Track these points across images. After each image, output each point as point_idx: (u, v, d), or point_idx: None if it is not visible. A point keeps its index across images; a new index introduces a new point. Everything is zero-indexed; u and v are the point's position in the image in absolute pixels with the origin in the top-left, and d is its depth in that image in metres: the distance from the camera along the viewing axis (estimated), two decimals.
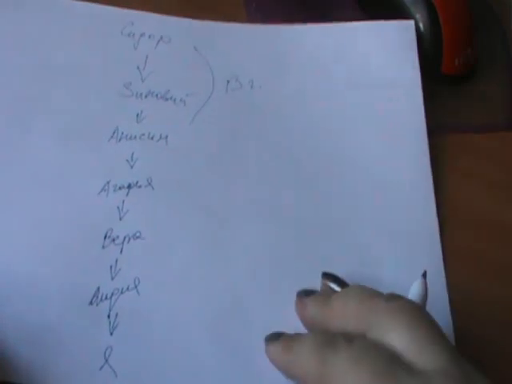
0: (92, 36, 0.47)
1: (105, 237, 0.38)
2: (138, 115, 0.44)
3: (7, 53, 0.45)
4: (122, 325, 0.36)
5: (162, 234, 0.39)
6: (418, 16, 0.48)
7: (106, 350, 0.35)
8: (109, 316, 0.36)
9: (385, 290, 0.33)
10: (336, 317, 0.33)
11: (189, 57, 0.47)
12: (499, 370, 0.36)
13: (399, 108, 0.46)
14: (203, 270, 0.38)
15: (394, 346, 0.30)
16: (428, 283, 0.34)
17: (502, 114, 0.48)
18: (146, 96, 0.44)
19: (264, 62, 0.47)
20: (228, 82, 0.46)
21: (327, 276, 0.36)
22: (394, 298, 0.32)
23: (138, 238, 0.39)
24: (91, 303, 0.36)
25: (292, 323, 0.35)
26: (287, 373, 0.33)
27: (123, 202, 0.40)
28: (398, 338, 0.30)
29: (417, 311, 0.31)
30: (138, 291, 0.37)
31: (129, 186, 0.41)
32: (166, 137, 0.43)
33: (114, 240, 0.38)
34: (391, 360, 0.29)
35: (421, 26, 0.48)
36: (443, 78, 0.49)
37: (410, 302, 0.32)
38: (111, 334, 0.36)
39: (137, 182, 0.41)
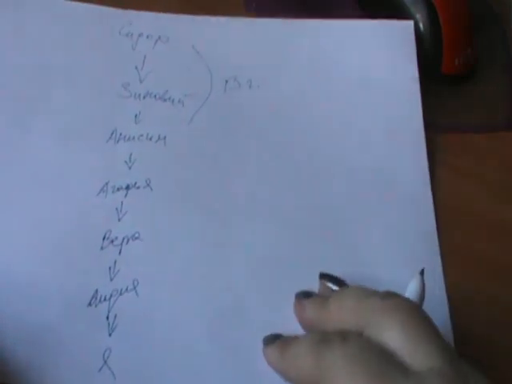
0: (91, 36, 0.47)
1: (103, 238, 0.38)
2: (136, 116, 0.44)
3: (6, 53, 0.45)
4: (120, 326, 0.36)
5: (160, 234, 0.39)
6: (418, 16, 0.48)
7: (105, 351, 0.35)
8: (107, 317, 0.36)
9: (383, 289, 0.32)
10: (333, 318, 0.33)
11: (187, 56, 0.47)
12: (499, 370, 0.36)
13: (397, 107, 0.46)
14: (202, 270, 0.38)
15: (390, 344, 0.30)
16: (425, 281, 0.34)
17: (502, 114, 0.48)
18: (144, 97, 0.44)
19: (262, 61, 0.47)
20: (226, 81, 0.46)
21: (325, 276, 0.36)
22: (390, 296, 0.32)
23: (136, 239, 0.39)
24: (90, 304, 0.36)
25: (291, 323, 0.35)
26: (284, 375, 0.33)
27: (122, 203, 0.40)
28: (394, 336, 0.30)
29: (413, 309, 0.31)
30: (136, 292, 0.37)
31: (127, 187, 0.40)
32: (165, 137, 0.43)
33: (112, 241, 0.38)
34: (385, 359, 0.29)
35: (421, 26, 0.48)
36: (443, 78, 0.49)
37: (407, 300, 0.32)
38: (110, 335, 0.35)
39: (135, 183, 0.41)
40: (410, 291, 0.33)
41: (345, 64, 0.47)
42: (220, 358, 0.35)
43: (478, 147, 0.46)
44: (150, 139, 0.43)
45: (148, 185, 0.41)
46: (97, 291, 0.37)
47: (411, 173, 0.43)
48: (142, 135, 0.43)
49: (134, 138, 0.43)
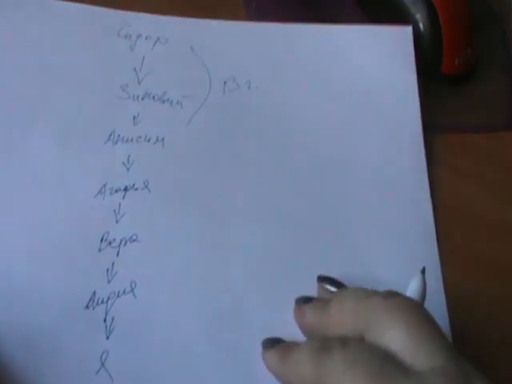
0: (89, 38, 0.47)
1: (101, 240, 0.38)
2: (134, 118, 0.43)
3: (5, 54, 0.45)
4: (118, 329, 0.36)
5: (158, 236, 0.39)
6: (418, 16, 0.48)
7: (103, 354, 0.35)
8: (105, 320, 0.36)
9: (383, 289, 0.32)
10: (334, 322, 0.33)
11: (185, 57, 0.47)
12: (499, 370, 0.36)
13: (396, 109, 0.46)
14: (201, 272, 0.38)
15: (392, 344, 0.30)
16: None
17: (502, 114, 0.48)
18: (142, 98, 0.44)
19: (261, 63, 0.47)
20: (225, 82, 0.46)
21: (323, 279, 0.36)
22: (392, 296, 0.32)
23: (134, 240, 0.39)
24: (87, 307, 0.36)
25: (290, 325, 0.35)
26: (284, 381, 0.33)
27: (120, 204, 0.40)
28: (396, 335, 0.30)
29: (415, 308, 0.31)
30: (134, 294, 0.37)
31: (125, 189, 0.40)
32: (163, 139, 0.43)
33: (110, 243, 0.38)
34: (386, 361, 0.29)
35: (421, 26, 0.48)
36: (443, 78, 0.49)
37: (408, 299, 0.32)
38: (107, 337, 0.35)
39: (133, 185, 0.41)
40: (412, 290, 0.33)
41: (344, 67, 0.47)
42: (218, 361, 0.35)
43: (478, 147, 0.46)
44: (149, 141, 0.42)
45: (146, 186, 0.41)
46: (94, 293, 0.36)
47: (410, 174, 0.43)
48: (140, 137, 0.43)
49: (132, 139, 0.42)
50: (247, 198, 0.41)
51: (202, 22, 0.48)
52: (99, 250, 0.38)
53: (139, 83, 0.45)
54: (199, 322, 0.36)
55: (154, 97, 0.44)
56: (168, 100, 0.44)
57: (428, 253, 0.40)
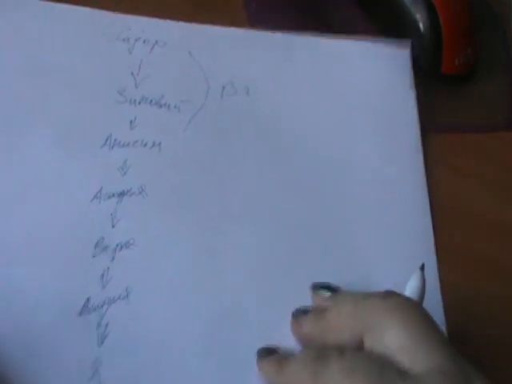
0: (87, 41, 0.46)
1: (96, 245, 0.38)
2: (131, 122, 0.43)
3: (3, 55, 0.45)
4: (112, 335, 0.35)
5: (154, 242, 0.39)
6: (417, 16, 0.48)
7: (96, 360, 0.34)
8: (99, 326, 0.35)
9: (380, 289, 0.33)
10: (333, 328, 0.33)
11: (183, 62, 0.46)
12: (499, 370, 0.36)
13: (394, 116, 0.46)
14: (196, 278, 0.38)
15: (391, 344, 0.30)
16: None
17: (502, 114, 0.48)
18: (139, 102, 0.44)
19: (260, 69, 0.47)
20: (223, 87, 0.45)
21: (317, 286, 0.36)
22: (390, 296, 0.32)
23: (130, 246, 0.38)
24: (81, 313, 0.36)
25: (288, 330, 0.35)
26: None
27: (115, 209, 0.39)
28: (395, 335, 0.30)
29: (413, 308, 0.31)
30: (129, 300, 0.36)
31: (121, 194, 0.40)
32: (160, 144, 0.42)
33: (105, 248, 0.38)
34: (384, 368, 0.29)
35: (421, 26, 0.48)
36: (443, 78, 0.49)
37: (407, 299, 0.32)
38: (101, 344, 0.35)
39: (129, 190, 0.40)
40: (411, 287, 0.33)
41: (342, 76, 0.47)
42: (212, 368, 0.35)
43: (478, 147, 0.46)
44: (145, 145, 0.42)
45: (142, 191, 0.40)
46: (88, 299, 0.36)
47: (408, 175, 0.43)
48: (136, 141, 0.42)
49: (128, 143, 0.42)
50: (244, 203, 0.41)
51: (201, 27, 0.48)
52: (94, 255, 0.38)
53: (136, 87, 0.45)
54: (193, 329, 0.36)
55: (151, 101, 0.44)
56: (165, 104, 0.44)
57: (425, 252, 0.40)
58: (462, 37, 0.49)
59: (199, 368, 0.35)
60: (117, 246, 0.38)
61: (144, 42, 0.47)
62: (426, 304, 0.33)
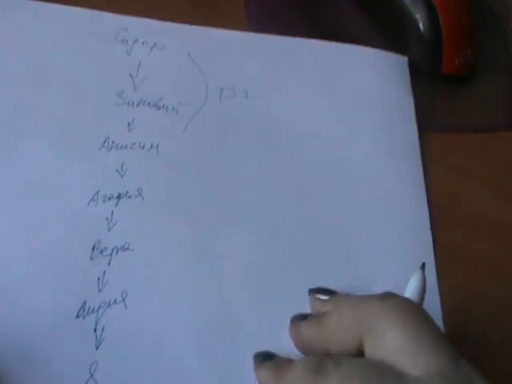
0: (87, 42, 0.46)
1: (93, 248, 0.38)
2: (129, 124, 0.43)
3: (2, 57, 0.45)
4: (108, 339, 0.35)
5: (151, 245, 0.38)
6: (417, 16, 0.48)
7: (92, 364, 0.34)
8: (95, 330, 0.35)
9: (378, 291, 0.32)
10: (333, 333, 0.33)
11: (182, 64, 0.46)
12: (499, 370, 0.36)
13: (392, 119, 0.46)
14: (193, 282, 0.37)
15: (390, 346, 0.30)
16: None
17: (502, 114, 0.48)
18: (137, 104, 0.44)
19: (259, 72, 0.46)
20: (222, 90, 0.45)
21: (314, 290, 0.36)
22: (389, 297, 0.31)
23: (126, 249, 0.38)
24: (78, 316, 0.35)
25: (283, 335, 0.35)
26: None
27: (112, 212, 0.39)
28: (395, 337, 0.30)
29: (412, 309, 0.31)
30: (125, 304, 0.36)
31: (118, 197, 0.40)
32: (157, 146, 0.42)
33: (102, 251, 0.38)
34: (382, 372, 0.29)
35: (421, 26, 0.48)
36: (443, 78, 0.49)
37: (406, 300, 0.32)
38: (97, 348, 0.35)
39: (127, 192, 0.40)
40: (411, 287, 0.33)
41: (341, 82, 0.47)
42: (209, 372, 0.35)
43: (478, 147, 0.46)
44: (143, 148, 0.42)
45: (139, 194, 0.40)
46: (85, 302, 0.36)
47: (405, 175, 0.43)
48: (134, 143, 0.42)
49: (126, 146, 0.42)
50: (242, 206, 0.41)
51: (200, 29, 0.48)
52: (91, 258, 0.37)
53: (135, 89, 0.44)
54: (190, 333, 0.36)
55: (149, 103, 0.44)
56: (163, 106, 0.44)
57: (423, 250, 0.40)
58: (462, 37, 0.49)
59: (196, 372, 0.35)
60: (113, 249, 0.38)
61: (143, 43, 0.47)
62: (424, 305, 0.33)
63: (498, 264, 0.41)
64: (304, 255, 0.39)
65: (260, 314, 0.37)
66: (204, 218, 0.40)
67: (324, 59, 0.48)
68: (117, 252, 0.38)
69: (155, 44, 0.47)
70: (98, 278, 0.37)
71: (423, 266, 0.34)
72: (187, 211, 0.40)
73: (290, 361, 0.32)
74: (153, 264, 0.38)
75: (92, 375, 0.34)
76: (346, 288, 0.36)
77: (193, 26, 0.48)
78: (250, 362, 0.34)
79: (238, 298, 0.37)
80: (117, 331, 0.35)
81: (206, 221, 0.40)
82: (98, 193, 0.40)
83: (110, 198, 0.39)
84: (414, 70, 0.48)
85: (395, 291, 0.32)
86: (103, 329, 0.35)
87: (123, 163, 0.41)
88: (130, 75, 0.45)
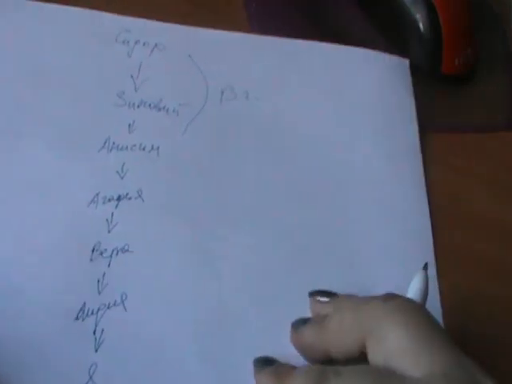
0: (86, 43, 0.46)
1: (93, 250, 0.37)
2: (129, 125, 0.43)
3: (2, 57, 0.44)
4: (107, 341, 0.35)
5: (151, 247, 0.38)
6: (417, 16, 0.48)
7: (91, 366, 0.34)
8: (94, 332, 0.35)
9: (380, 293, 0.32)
10: (334, 336, 0.32)
11: (183, 65, 0.46)
12: (499, 370, 0.36)
13: (393, 121, 0.46)
14: (193, 284, 0.37)
15: (393, 347, 0.29)
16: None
17: (502, 114, 0.48)
18: (138, 106, 0.44)
19: (260, 73, 0.46)
20: (223, 92, 0.45)
21: (314, 293, 0.36)
22: (391, 298, 0.31)
23: (126, 251, 0.38)
24: (77, 318, 0.35)
25: (284, 341, 0.35)
26: None
27: (112, 214, 0.39)
28: (397, 338, 0.29)
29: (415, 310, 0.31)
30: (124, 307, 0.36)
31: (118, 198, 0.40)
32: (158, 148, 0.42)
33: (102, 253, 0.37)
34: (383, 377, 0.29)
35: (421, 26, 0.48)
36: (443, 78, 0.49)
37: (408, 301, 0.32)
38: (96, 350, 0.34)
39: (127, 194, 0.40)
40: (414, 288, 0.33)
41: (342, 85, 0.47)
42: (208, 374, 0.34)
43: (478, 147, 0.46)
44: (143, 149, 0.42)
45: (140, 196, 0.40)
46: (84, 304, 0.36)
47: (407, 177, 0.43)
48: (135, 145, 0.42)
49: (127, 147, 0.42)
50: (243, 208, 0.40)
51: (201, 31, 0.48)
52: (91, 260, 0.37)
53: (136, 90, 0.44)
54: (190, 336, 0.36)
55: (150, 104, 0.44)
56: (164, 108, 0.44)
57: (424, 252, 0.40)
58: (462, 37, 0.49)
59: (196, 374, 0.34)
60: (113, 250, 0.38)
61: (144, 44, 0.47)
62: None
63: (498, 264, 0.41)
64: (304, 258, 0.39)
65: (260, 317, 0.37)
66: (204, 220, 0.40)
67: (326, 62, 0.48)
68: (117, 254, 0.38)
69: (156, 45, 0.47)
70: (98, 280, 0.37)
71: (426, 267, 0.34)
72: (187, 213, 0.40)
73: (290, 367, 0.32)
74: (153, 266, 0.38)
75: (91, 377, 0.34)
76: (347, 291, 0.36)
77: (194, 28, 0.48)
78: (250, 364, 0.34)
79: (238, 301, 0.37)
80: (116, 333, 0.35)
81: (206, 223, 0.40)
82: (98, 194, 0.39)
83: (110, 200, 0.39)
84: (414, 70, 0.48)
85: (397, 293, 0.32)
86: (102, 331, 0.35)
87: (123, 164, 0.41)
88: (131, 76, 0.45)
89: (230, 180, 0.42)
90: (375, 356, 0.30)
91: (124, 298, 0.36)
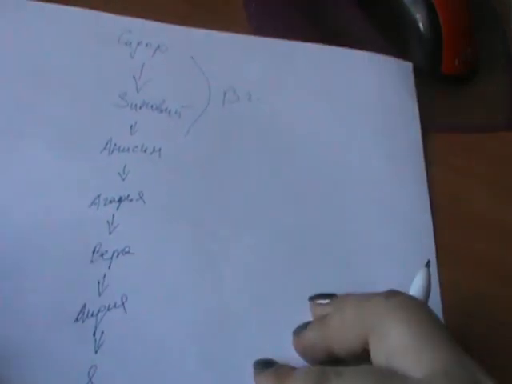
0: (89, 44, 0.46)
1: (93, 251, 0.37)
2: (131, 127, 0.43)
3: (4, 57, 0.44)
4: (107, 343, 0.35)
5: (151, 249, 0.38)
6: (417, 16, 0.48)
7: (90, 368, 0.34)
8: (94, 334, 0.35)
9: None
10: (336, 333, 0.32)
11: (185, 67, 0.46)
12: (499, 370, 0.36)
13: (395, 121, 0.46)
14: (193, 287, 0.37)
15: (394, 345, 0.29)
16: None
17: (502, 114, 0.48)
18: (140, 107, 0.44)
19: (263, 75, 0.46)
20: (225, 93, 0.45)
21: (313, 297, 0.36)
22: (394, 295, 0.31)
23: (127, 253, 0.38)
24: (77, 320, 0.35)
25: (282, 339, 0.35)
26: None
27: (113, 215, 0.39)
28: (399, 335, 0.29)
29: (418, 307, 0.31)
30: (125, 309, 0.36)
31: (120, 200, 0.39)
32: (160, 149, 0.42)
33: (102, 255, 0.37)
34: (384, 377, 0.29)
35: (421, 26, 0.48)
36: (443, 78, 0.49)
37: (411, 298, 0.32)
38: (96, 352, 0.34)
39: (128, 196, 0.40)
40: (416, 285, 0.33)
41: (344, 84, 0.47)
42: (209, 376, 0.34)
43: (478, 147, 0.46)
44: (145, 151, 0.42)
45: (141, 198, 0.40)
46: (84, 306, 0.36)
47: (409, 177, 0.43)
48: (136, 146, 0.42)
49: (128, 149, 0.42)
50: (244, 210, 0.40)
51: (204, 32, 0.48)
52: (91, 261, 0.37)
53: (138, 91, 0.44)
54: (190, 338, 0.36)
55: (152, 106, 0.44)
56: (166, 109, 0.44)
57: (426, 252, 0.40)
58: (462, 37, 0.49)
59: (196, 376, 0.34)
60: (114, 252, 0.38)
61: (146, 45, 0.46)
62: None
63: (498, 264, 0.41)
64: (305, 259, 0.39)
65: (260, 318, 0.37)
66: (205, 222, 0.40)
67: (327, 64, 0.48)
68: (117, 255, 0.38)
69: (159, 46, 0.47)
70: (98, 282, 0.37)
71: (428, 264, 0.34)
72: (188, 215, 0.40)
73: (290, 368, 0.32)
74: (153, 268, 0.38)
75: (90, 379, 0.34)
76: (349, 291, 0.36)
77: (197, 29, 0.48)
78: (250, 366, 0.34)
79: (239, 302, 0.37)
80: (116, 336, 0.35)
81: (208, 225, 0.40)
82: (99, 196, 0.39)
83: (111, 201, 0.39)
84: (414, 70, 0.48)
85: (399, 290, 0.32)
86: (102, 333, 0.35)
87: (125, 166, 0.41)
88: (133, 77, 0.45)
89: (231, 182, 0.42)
90: (377, 353, 0.30)
91: (124, 299, 0.36)
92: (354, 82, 0.47)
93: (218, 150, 0.43)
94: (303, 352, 0.34)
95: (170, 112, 0.44)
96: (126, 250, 0.38)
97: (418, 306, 0.31)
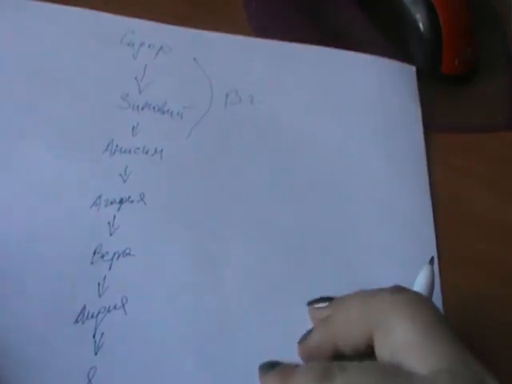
0: (91, 44, 0.46)
1: (94, 252, 0.37)
2: (133, 128, 0.43)
3: (3, 59, 0.44)
4: (107, 345, 0.35)
5: (152, 251, 0.38)
6: (417, 16, 0.48)
7: (90, 370, 0.34)
8: (94, 335, 0.35)
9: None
10: (341, 329, 0.32)
11: (188, 68, 0.46)
12: (499, 370, 0.36)
13: (397, 122, 0.46)
14: (193, 288, 0.37)
15: (399, 341, 0.29)
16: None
17: (502, 114, 0.48)
18: (142, 108, 0.43)
19: (265, 77, 0.46)
20: (227, 95, 0.45)
21: (311, 302, 0.35)
22: (399, 291, 0.31)
23: (128, 254, 0.38)
24: (77, 321, 0.35)
25: (283, 339, 0.35)
26: None
27: (114, 217, 0.39)
28: (404, 331, 0.29)
29: (423, 303, 0.30)
30: (125, 310, 0.36)
31: (121, 201, 0.39)
32: (161, 151, 0.42)
33: (103, 256, 0.37)
34: (388, 374, 0.29)
35: (421, 26, 0.48)
36: (443, 78, 0.49)
37: (416, 294, 0.31)
38: (96, 353, 0.34)
39: (129, 197, 0.40)
40: (420, 281, 0.33)
41: (345, 86, 0.47)
42: (209, 378, 0.34)
43: (478, 147, 0.46)
44: (147, 152, 0.42)
45: (142, 199, 0.40)
46: (84, 307, 0.36)
47: (411, 177, 0.43)
48: (138, 148, 0.42)
49: (130, 150, 0.42)
50: (244, 214, 0.40)
51: (207, 34, 0.48)
52: (92, 262, 0.37)
53: (140, 93, 0.44)
54: (190, 340, 0.35)
55: (154, 107, 0.44)
56: (168, 111, 0.44)
57: (427, 252, 0.40)
58: (462, 37, 0.49)
59: (196, 378, 0.34)
60: (114, 254, 0.38)
61: (149, 46, 0.46)
62: None
63: (498, 264, 0.41)
64: (305, 259, 0.39)
65: (260, 318, 0.37)
66: (206, 224, 0.40)
67: (330, 67, 0.48)
68: (118, 257, 0.38)
69: (161, 47, 0.47)
70: (99, 283, 0.37)
71: (432, 261, 0.34)
72: (189, 217, 0.40)
73: (294, 366, 0.32)
74: (154, 270, 0.37)
75: (90, 380, 0.34)
76: (350, 292, 0.36)
77: (199, 31, 0.48)
78: (250, 367, 0.34)
79: (239, 304, 0.37)
80: (116, 337, 0.35)
81: (208, 226, 0.40)
82: (100, 197, 0.39)
83: (112, 203, 0.39)
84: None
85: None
86: (102, 334, 0.35)
87: (126, 167, 0.41)
88: (136, 78, 0.45)
89: (232, 184, 0.42)
90: (382, 349, 0.30)
91: (124, 301, 0.36)
92: (355, 84, 0.47)
93: (220, 152, 0.43)
94: (309, 357, 0.34)
95: (172, 113, 0.44)
96: (127, 251, 0.38)
97: (424, 302, 0.31)
